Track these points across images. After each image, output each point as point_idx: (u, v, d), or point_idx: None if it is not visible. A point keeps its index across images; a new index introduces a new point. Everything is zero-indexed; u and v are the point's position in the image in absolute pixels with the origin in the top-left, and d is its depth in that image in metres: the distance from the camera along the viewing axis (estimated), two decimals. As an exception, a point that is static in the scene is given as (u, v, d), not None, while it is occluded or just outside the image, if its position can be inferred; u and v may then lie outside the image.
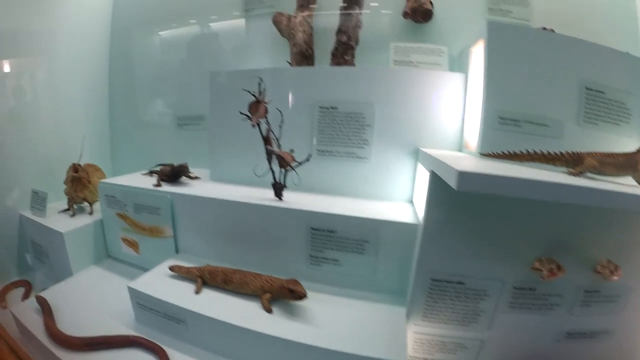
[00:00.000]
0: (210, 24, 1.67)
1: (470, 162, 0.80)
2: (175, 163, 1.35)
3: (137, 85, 1.89)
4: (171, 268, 1.05)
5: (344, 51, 1.17)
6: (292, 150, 1.05)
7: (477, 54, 1.02)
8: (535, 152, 0.81)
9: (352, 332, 0.82)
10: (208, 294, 0.97)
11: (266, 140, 1.04)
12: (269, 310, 0.88)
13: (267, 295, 0.91)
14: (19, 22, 1.50)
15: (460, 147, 1.11)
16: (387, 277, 0.98)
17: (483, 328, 0.89)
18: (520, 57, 0.95)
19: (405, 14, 1.20)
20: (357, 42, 1.19)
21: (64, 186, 1.56)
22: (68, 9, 1.68)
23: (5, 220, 1.54)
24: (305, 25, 1.23)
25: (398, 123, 1.12)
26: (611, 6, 1.29)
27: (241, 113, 1.04)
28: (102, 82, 1.92)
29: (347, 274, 1.00)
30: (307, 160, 1.00)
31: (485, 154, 0.87)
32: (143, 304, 0.97)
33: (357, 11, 1.17)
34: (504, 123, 0.95)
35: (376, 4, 1.35)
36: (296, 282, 0.89)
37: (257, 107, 1.04)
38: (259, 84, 1.05)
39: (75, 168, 1.47)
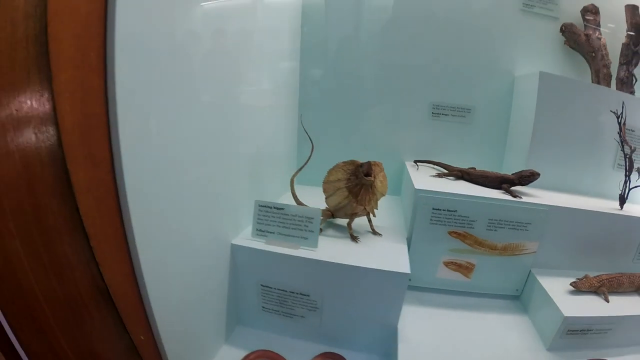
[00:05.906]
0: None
1: None
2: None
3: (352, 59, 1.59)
4: (574, 284, 1.11)
5: (632, 82, 1.37)
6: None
7: None
8: None
9: None
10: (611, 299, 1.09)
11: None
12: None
13: None
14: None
15: None
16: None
17: None
18: None
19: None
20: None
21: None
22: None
23: (212, 253, 0.97)
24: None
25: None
26: None
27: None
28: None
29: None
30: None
31: None
32: (574, 329, 1.01)
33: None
34: None
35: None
36: None
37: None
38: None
39: (369, 168, 1.01)
